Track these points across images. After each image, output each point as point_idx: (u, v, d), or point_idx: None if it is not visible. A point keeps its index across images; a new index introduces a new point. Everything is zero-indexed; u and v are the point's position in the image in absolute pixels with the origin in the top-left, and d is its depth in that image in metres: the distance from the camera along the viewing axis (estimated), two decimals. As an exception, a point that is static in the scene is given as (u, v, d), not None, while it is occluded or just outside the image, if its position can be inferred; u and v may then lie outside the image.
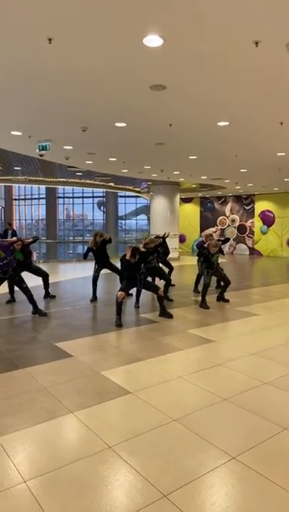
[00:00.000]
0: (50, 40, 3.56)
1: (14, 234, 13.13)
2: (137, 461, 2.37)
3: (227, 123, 6.32)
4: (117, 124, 6.49)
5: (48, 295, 7.39)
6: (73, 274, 11.56)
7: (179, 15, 3.11)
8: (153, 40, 3.52)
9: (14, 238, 7.05)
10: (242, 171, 11.31)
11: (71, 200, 30.03)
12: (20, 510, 1.97)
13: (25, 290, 5.91)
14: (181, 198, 18.14)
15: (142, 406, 3.11)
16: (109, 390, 3.39)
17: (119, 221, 29.29)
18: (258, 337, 5.09)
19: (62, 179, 16.01)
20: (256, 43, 3.57)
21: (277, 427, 2.77)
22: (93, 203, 30.44)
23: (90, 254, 7.14)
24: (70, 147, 8.35)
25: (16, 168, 12.80)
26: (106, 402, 3.16)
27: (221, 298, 7.25)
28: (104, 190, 24.28)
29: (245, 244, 19.22)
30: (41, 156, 8.76)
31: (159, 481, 2.20)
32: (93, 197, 29.75)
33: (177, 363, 4.15)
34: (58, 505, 2.01)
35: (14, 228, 13.52)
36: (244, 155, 8.96)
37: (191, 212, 21.08)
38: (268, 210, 18.23)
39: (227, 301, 7.18)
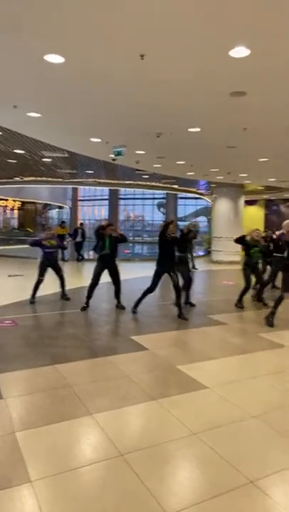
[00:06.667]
0: (142, 56, 3.86)
1: (83, 233, 13.98)
2: (222, 449, 2.54)
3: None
4: (191, 130, 6.67)
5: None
6: (134, 274, 11.90)
7: (267, 28, 3.23)
8: (240, 51, 3.66)
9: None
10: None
11: (132, 201, 30.89)
12: (120, 480, 2.24)
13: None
14: (244, 201, 17.82)
15: (221, 401, 3.27)
16: (187, 383, 3.59)
17: (179, 222, 29.42)
18: None
19: (128, 181, 16.58)
20: None
21: None
22: (153, 205, 31.00)
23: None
24: (143, 152, 8.72)
25: (87, 171, 13.57)
26: (185, 394, 3.37)
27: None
28: (166, 191, 24.64)
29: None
30: (114, 160, 9.22)
31: (245, 468, 2.35)
32: (153, 198, 30.30)
33: (250, 364, 4.23)
34: (155, 477, 2.25)
35: (83, 228, 14.42)
36: None
37: (255, 214, 20.59)
38: None
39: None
